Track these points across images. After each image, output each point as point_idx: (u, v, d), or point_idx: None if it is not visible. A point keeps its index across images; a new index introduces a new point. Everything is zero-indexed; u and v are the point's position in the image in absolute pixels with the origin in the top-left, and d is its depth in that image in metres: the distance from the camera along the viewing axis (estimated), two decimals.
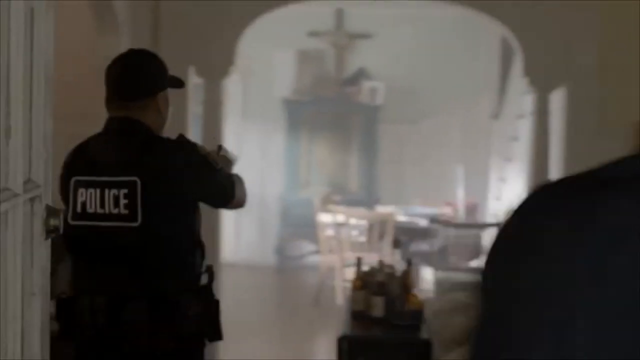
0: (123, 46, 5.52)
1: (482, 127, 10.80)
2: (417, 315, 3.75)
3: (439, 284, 7.36)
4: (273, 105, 10.68)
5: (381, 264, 3.91)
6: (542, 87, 5.94)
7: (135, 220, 2.75)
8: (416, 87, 10.71)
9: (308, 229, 10.21)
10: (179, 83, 3.10)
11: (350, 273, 8.05)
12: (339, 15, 10.76)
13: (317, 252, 10.49)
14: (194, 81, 6.15)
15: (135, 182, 2.74)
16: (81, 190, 2.79)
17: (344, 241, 7.87)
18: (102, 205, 2.76)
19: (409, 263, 3.87)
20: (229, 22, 5.91)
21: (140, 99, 2.86)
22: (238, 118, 10.86)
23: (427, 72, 10.71)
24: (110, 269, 2.80)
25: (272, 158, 10.85)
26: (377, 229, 7.57)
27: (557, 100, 6.00)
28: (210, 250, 5.98)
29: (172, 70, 6.03)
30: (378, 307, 3.82)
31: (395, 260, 4.01)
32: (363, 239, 7.72)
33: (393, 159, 10.85)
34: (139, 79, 2.89)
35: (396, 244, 4.10)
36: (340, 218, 7.77)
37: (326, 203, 8.71)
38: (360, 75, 10.78)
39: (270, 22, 10.94)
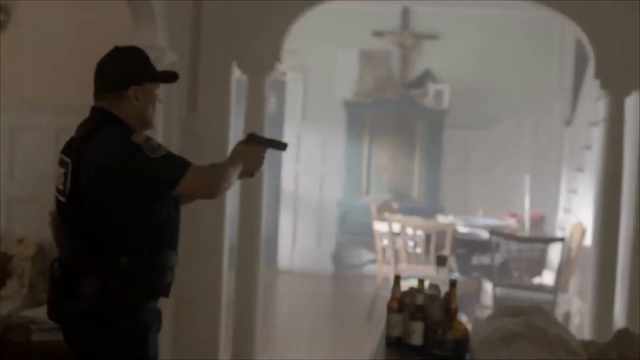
0: (159, 39, 5.16)
1: (553, 134, 10.24)
2: (460, 345, 3.29)
3: (497, 301, 6.86)
4: (334, 107, 10.27)
5: (421, 284, 3.46)
6: (615, 91, 5.42)
7: (64, 196, 3.00)
8: (484, 90, 10.19)
9: (367, 236, 9.77)
10: (169, 77, 3.22)
11: (406, 286, 7.61)
12: (405, 14, 10.31)
13: (375, 261, 10.06)
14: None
15: (68, 163, 2.99)
16: (56, 167, 3.10)
17: (399, 252, 7.42)
18: (59, 182, 3.05)
19: (453, 284, 3.40)
20: (275, 14, 5.51)
21: (110, 91, 3.04)
22: (298, 119, 10.49)
23: (496, 75, 10.19)
24: (66, 240, 3.05)
25: (332, 162, 10.44)
26: (434, 240, 7.10)
27: (632, 105, 5.47)
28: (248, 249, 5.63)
29: (214, 65, 5.71)
30: (416, 333, 3.37)
31: (440, 279, 3.53)
32: (420, 250, 7.26)
33: (458, 167, 10.34)
34: (107, 73, 3.05)
35: (440, 260, 3.62)
36: (396, 227, 7.31)
37: (384, 210, 8.26)
38: (425, 77, 10.31)
39: (334, 21, 10.61)
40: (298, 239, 10.59)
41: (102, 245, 2.93)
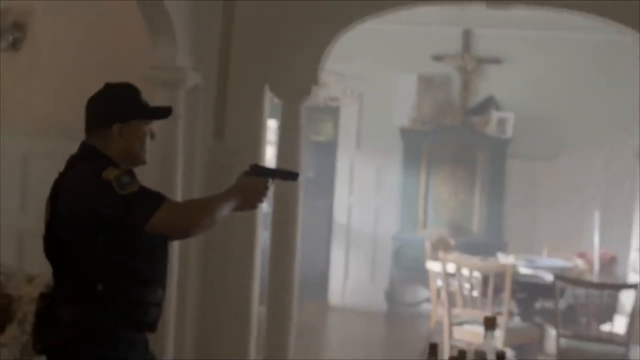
0: (180, 59, 4.65)
1: (627, 166, 9.49)
2: None
3: (562, 353, 6.18)
4: (390, 135, 9.68)
5: (463, 355, 2.87)
6: None
7: (45, 228, 3.03)
8: (551, 118, 9.52)
9: (423, 272, 9.13)
10: (159, 114, 3.17)
11: (461, 332, 7.01)
12: (467, 37, 9.69)
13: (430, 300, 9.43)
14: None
15: (50, 196, 3.02)
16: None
17: (454, 294, 6.78)
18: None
19: (502, 357, 2.80)
20: (313, 34, 4.96)
21: (95, 127, 3.05)
22: (352, 147, 9.93)
23: (563, 102, 9.51)
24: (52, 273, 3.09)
25: (387, 193, 9.83)
26: (492, 282, 6.45)
27: None
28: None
29: (244, 88, 5.20)
30: None
31: (488, 347, 2.94)
32: (476, 293, 6.61)
33: (522, 200, 9.66)
34: (94, 109, 3.08)
35: (488, 324, 3.02)
36: (451, 267, 6.68)
37: (439, 247, 7.63)
38: (488, 103, 9.67)
39: (392, 44, 10.07)
40: (350, 274, 10.01)
41: (79, 273, 2.95)
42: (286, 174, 3.33)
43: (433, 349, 3.01)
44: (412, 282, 9.68)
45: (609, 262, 7.61)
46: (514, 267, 6.53)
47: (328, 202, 10.52)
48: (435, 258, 7.18)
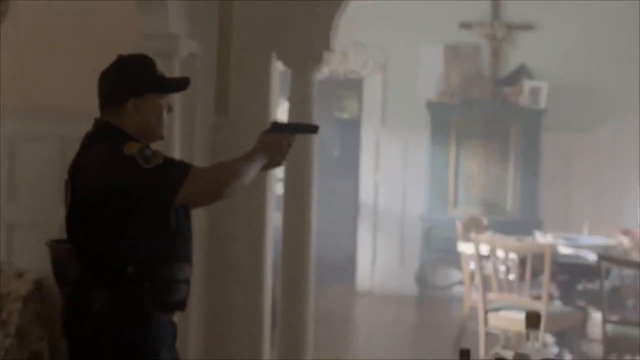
0: (172, 25, 4.15)
1: None
2: None
3: (609, 340, 5.64)
4: (416, 109, 9.14)
5: None
6: None
7: (66, 213, 2.92)
8: (587, 87, 8.95)
9: (454, 254, 8.62)
10: (176, 86, 3.07)
11: (496, 319, 6.49)
12: (496, 3, 9.12)
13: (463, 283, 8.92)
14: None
15: (68, 178, 2.92)
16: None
17: (488, 278, 6.26)
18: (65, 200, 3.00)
19: None
20: None
21: (110, 103, 2.94)
22: (376, 123, 9.40)
23: (600, 70, 8.93)
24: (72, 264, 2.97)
25: (415, 171, 9.30)
26: (530, 264, 5.92)
27: None
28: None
29: (248, 57, 4.70)
30: None
31: (532, 349, 2.45)
32: (512, 276, 6.09)
33: (559, 175, 9.10)
34: (107, 84, 2.97)
35: (531, 321, 2.53)
36: (485, 249, 6.15)
37: (471, 228, 7.10)
38: (520, 73, 9.10)
39: (416, 12, 9.51)
40: (378, 258, 9.50)
41: (107, 258, 2.85)
42: (306, 128, 3.38)
43: (465, 355, 2.51)
44: (444, 265, 9.17)
45: None
46: (553, 247, 5.99)
47: (352, 181, 10.03)
48: (467, 239, 6.65)
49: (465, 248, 6.57)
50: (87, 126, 2.95)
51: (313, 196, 4.76)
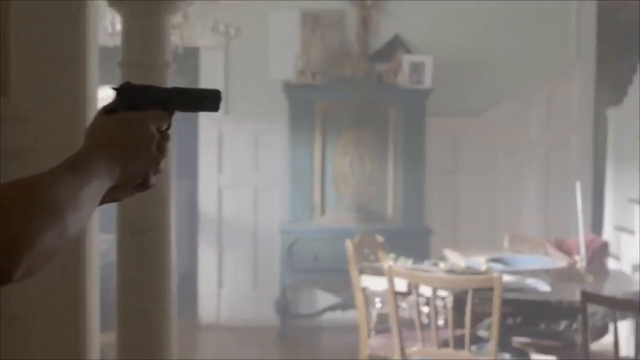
0: None
1: (571, 121, 7.44)
2: None
3: None
4: (269, 92, 7.24)
5: None
6: None
7: None
8: (477, 63, 7.34)
9: (324, 274, 6.89)
10: None
11: None
12: None
13: (338, 307, 7.11)
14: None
15: None
16: None
17: (404, 322, 4.44)
18: None
19: None
20: None
21: None
22: (219, 111, 7.38)
23: (492, 42, 7.36)
24: None
25: (270, 170, 7.39)
26: (470, 302, 4.13)
27: None
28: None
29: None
30: None
31: None
32: (442, 320, 4.29)
33: (447, 170, 7.44)
34: None
35: None
36: (401, 282, 4.32)
37: (366, 246, 5.26)
38: (395, 46, 7.35)
39: None
40: (226, 281, 7.52)
41: None
42: (199, 97, 1.52)
43: None
44: (310, 287, 7.36)
45: (599, 252, 5.42)
46: (499, 281, 4.19)
47: (189, 183, 8.03)
48: (373, 270, 4.78)
49: (370, 282, 4.69)
50: None
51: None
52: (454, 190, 7.45)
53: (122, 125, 1.35)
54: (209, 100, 1.54)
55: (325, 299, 7.34)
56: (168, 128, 1.43)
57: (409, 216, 7.05)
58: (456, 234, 7.31)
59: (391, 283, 4.28)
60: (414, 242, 6.75)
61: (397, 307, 4.36)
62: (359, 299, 4.83)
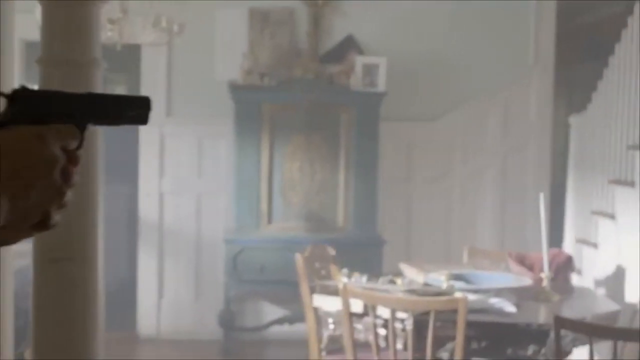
0: None
1: (529, 125, 7.17)
2: None
3: None
4: (215, 93, 6.86)
5: None
6: None
7: None
8: (433, 65, 7.04)
9: (272, 286, 6.54)
10: None
11: None
12: None
13: (285, 321, 6.75)
14: None
15: None
16: None
17: (359, 345, 4.09)
18: None
19: None
20: None
21: None
22: (160, 111, 6.99)
23: (449, 44, 7.06)
24: None
25: (214, 176, 7.01)
26: (431, 325, 3.79)
27: None
28: None
29: None
30: None
31: None
32: (400, 344, 3.95)
33: (400, 178, 7.13)
34: None
35: None
36: (353, 302, 3.97)
37: (316, 260, 4.90)
38: (348, 46, 7.01)
39: None
40: (167, 292, 7.12)
41: None
42: (120, 106, 1.16)
43: None
44: (256, 299, 7.00)
45: (563, 267, 5.12)
46: (464, 301, 3.86)
47: (128, 189, 7.62)
48: (323, 289, 4.42)
49: (323, 302, 4.33)
50: None
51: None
52: (408, 198, 7.14)
53: (12, 144, 0.98)
54: (133, 110, 1.17)
55: (272, 311, 6.98)
56: (78, 147, 1.07)
57: (361, 225, 6.71)
58: (410, 244, 7.00)
59: (346, 304, 3.92)
60: (366, 252, 6.43)
61: (352, 329, 4.01)
62: (310, 319, 4.47)
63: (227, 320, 6.81)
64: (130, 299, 7.24)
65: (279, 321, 6.89)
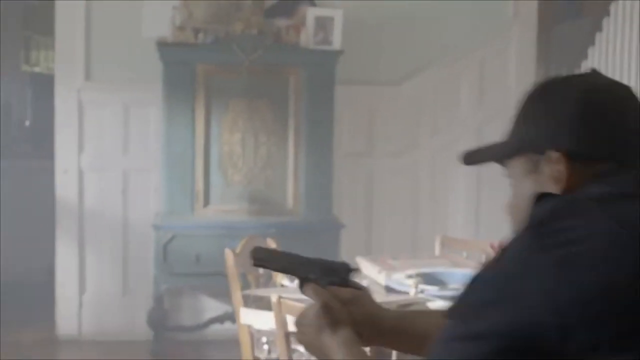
0: None
1: (506, 92, 6.30)
2: None
3: None
4: (141, 53, 5.87)
5: None
6: None
7: None
8: (395, 20, 6.10)
9: (211, 278, 5.56)
10: None
11: None
12: None
13: (231, 317, 5.81)
14: None
15: None
16: None
17: None
18: None
19: None
20: None
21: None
22: (77, 75, 5.98)
23: None
24: None
25: (141, 150, 6.03)
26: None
27: None
28: None
29: None
30: None
31: None
32: None
33: (360, 149, 6.22)
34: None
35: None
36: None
37: (244, 255, 3.96)
38: None
39: None
40: (89, 285, 6.14)
41: None
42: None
43: None
44: (192, 294, 6.06)
45: None
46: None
47: (44, 165, 6.62)
48: (252, 300, 3.45)
49: (253, 319, 3.34)
50: None
51: None
52: (369, 176, 6.22)
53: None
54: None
55: (211, 308, 6.04)
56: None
57: (314, 207, 5.75)
58: (371, 229, 6.09)
59: (281, 323, 2.95)
60: (320, 239, 5.51)
61: (290, 352, 3.05)
62: (244, 336, 3.50)
63: (158, 319, 5.85)
64: (47, 294, 6.26)
65: (220, 319, 5.95)
